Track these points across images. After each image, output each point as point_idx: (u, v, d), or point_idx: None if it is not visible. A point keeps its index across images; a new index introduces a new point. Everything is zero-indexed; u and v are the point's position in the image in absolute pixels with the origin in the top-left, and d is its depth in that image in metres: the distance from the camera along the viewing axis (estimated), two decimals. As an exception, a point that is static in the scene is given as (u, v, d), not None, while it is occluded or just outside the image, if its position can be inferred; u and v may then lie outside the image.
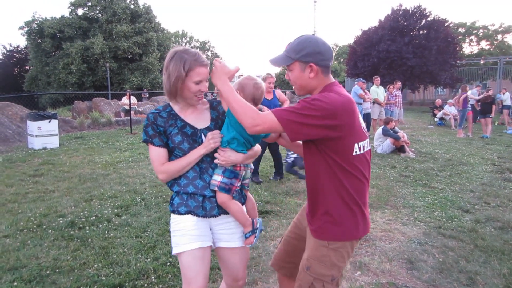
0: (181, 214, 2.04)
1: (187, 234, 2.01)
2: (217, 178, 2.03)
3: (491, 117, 13.73)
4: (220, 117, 2.15)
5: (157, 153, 2.05)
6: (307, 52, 1.82)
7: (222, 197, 2.03)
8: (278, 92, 6.69)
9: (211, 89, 2.12)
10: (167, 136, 2.05)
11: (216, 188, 2.02)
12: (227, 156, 2.01)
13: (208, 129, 2.08)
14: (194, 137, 2.05)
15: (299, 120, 1.70)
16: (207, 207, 2.05)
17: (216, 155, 2.03)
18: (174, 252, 2.04)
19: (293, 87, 1.97)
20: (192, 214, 2.04)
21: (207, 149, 2.00)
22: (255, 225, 2.16)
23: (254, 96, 2.08)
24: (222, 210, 2.08)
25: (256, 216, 2.30)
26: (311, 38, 1.86)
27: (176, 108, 2.10)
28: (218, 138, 2.02)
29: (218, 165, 2.05)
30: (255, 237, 2.14)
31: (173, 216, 2.08)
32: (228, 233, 2.15)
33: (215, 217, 2.09)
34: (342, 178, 1.84)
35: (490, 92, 14.31)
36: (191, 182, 2.05)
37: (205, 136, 2.05)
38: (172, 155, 2.08)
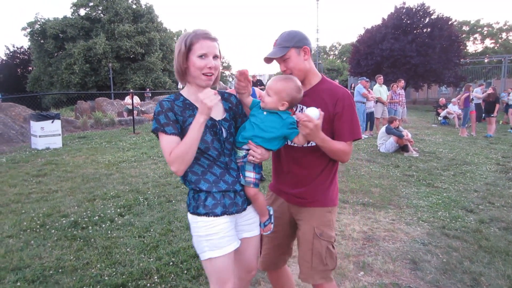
0: (218, 215, 1.94)
1: (226, 236, 1.95)
2: (251, 175, 2.05)
3: (494, 116, 13.66)
4: (233, 108, 2.12)
5: (169, 141, 1.87)
6: (299, 38, 2.05)
7: (253, 191, 2.05)
8: (258, 90, 6.57)
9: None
10: (185, 127, 1.91)
11: (251, 185, 2.04)
12: (263, 154, 2.02)
13: (226, 120, 2.04)
14: (214, 128, 1.97)
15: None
16: (239, 203, 2.03)
17: (251, 152, 2.01)
18: (212, 255, 1.93)
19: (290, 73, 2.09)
20: (227, 214, 1.97)
21: (205, 113, 1.82)
22: (270, 212, 2.20)
23: (293, 99, 2.02)
24: (248, 202, 2.11)
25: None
26: (294, 29, 2.11)
27: (191, 98, 2.00)
28: (212, 97, 1.82)
29: (247, 162, 2.05)
30: (272, 224, 2.20)
31: (204, 219, 1.93)
32: (249, 223, 2.15)
33: (245, 210, 2.08)
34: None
35: (491, 90, 14.23)
36: (220, 178, 1.98)
37: (224, 128, 2.00)
38: None
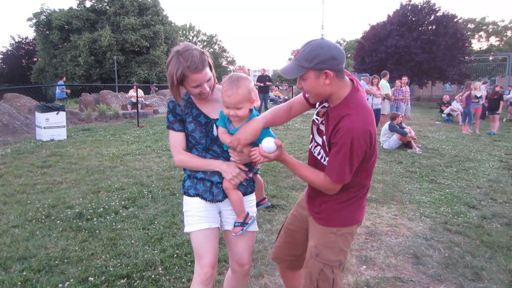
0: (190, 196, 2.18)
1: (196, 215, 2.15)
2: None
3: (498, 114, 13.62)
4: None
5: (176, 137, 2.14)
6: (321, 60, 1.72)
7: (225, 184, 2.11)
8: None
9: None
10: (184, 124, 2.13)
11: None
12: (241, 156, 2.04)
13: None
14: (206, 126, 2.11)
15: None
16: (214, 192, 2.17)
17: (230, 155, 2.07)
18: (185, 230, 2.19)
19: (307, 95, 1.96)
20: (200, 197, 2.16)
21: (225, 174, 2.08)
22: (247, 220, 2.21)
23: (253, 90, 1.99)
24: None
25: (263, 196, 2.42)
26: (322, 43, 1.75)
27: (193, 96, 2.13)
28: (239, 178, 2.07)
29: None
30: (242, 229, 2.20)
31: (184, 197, 2.22)
32: (233, 218, 2.24)
33: (221, 201, 2.19)
34: (353, 181, 1.92)
35: (498, 88, 14.19)
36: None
37: (216, 127, 2.09)
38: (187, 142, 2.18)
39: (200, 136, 2.10)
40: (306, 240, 2.18)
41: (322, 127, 1.97)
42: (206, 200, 2.16)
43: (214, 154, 2.13)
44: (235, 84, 1.90)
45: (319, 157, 2.01)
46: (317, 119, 2.02)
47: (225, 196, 2.17)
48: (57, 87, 17.96)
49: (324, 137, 1.93)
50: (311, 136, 2.12)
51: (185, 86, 2.00)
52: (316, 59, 1.72)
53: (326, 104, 1.95)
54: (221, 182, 2.14)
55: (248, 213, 2.21)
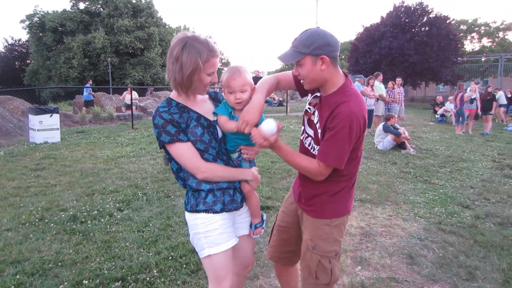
0: (217, 212, 1.96)
1: (225, 232, 1.97)
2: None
3: (491, 114, 13.73)
4: None
5: (189, 148, 1.90)
6: (317, 45, 1.80)
7: (248, 187, 2.09)
8: None
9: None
10: (190, 131, 1.92)
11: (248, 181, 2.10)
12: (255, 150, 2.07)
13: None
14: (210, 128, 1.98)
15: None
16: (238, 200, 2.07)
17: (244, 151, 2.06)
18: (211, 252, 1.95)
19: (302, 81, 1.97)
20: (226, 211, 2.00)
21: (252, 182, 2.08)
22: (264, 217, 2.24)
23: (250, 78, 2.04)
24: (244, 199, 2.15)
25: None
26: (318, 31, 1.85)
27: (180, 99, 1.97)
28: (257, 182, 2.10)
29: (242, 159, 2.09)
30: (263, 228, 2.22)
31: (204, 215, 1.96)
32: (246, 221, 2.21)
33: (243, 207, 2.13)
34: (344, 171, 1.98)
35: (490, 89, 14.32)
36: None
37: (219, 127, 2.03)
38: None
39: (210, 139, 1.95)
40: (300, 234, 2.24)
41: (314, 118, 2.03)
42: (230, 211, 2.03)
43: (224, 158, 2.03)
44: (237, 70, 1.98)
45: (309, 148, 2.07)
46: (309, 108, 2.08)
47: (243, 200, 2.12)
48: (85, 89, 17.97)
49: (318, 125, 1.97)
50: (302, 127, 2.18)
51: (200, 74, 1.86)
52: (313, 45, 1.80)
53: (318, 94, 2.02)
54: (239, 187, 2.08)
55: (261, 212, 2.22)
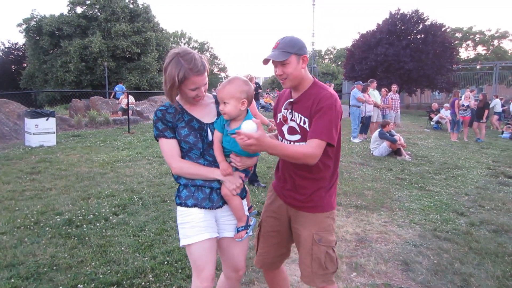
0: (188, 206, 2.11)
1: (196, 226, 2.08)
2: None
3: (484, 122, 13.83)
4: None
5: (169, 145, 2.11)
6: (299, 47, 2.08)
7: (225, 190, 2.12)
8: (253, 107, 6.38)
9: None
10: (175, 130, 2.11)
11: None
12: (243, 161, 2.11)
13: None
14: (200, 131, 2.11)
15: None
16: (214, 199, 2.15)
17: (232, 160, 2.12)
18: (183, 243, 2.11)
19: (284, 80, 2.13)
20: (198, 207, 2.11)
21: (228, 184, 2.10)
22: (249, 222, 2.24)
23: (248, 94, 2.09)
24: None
25: (249, 204, 2.40)
26: (295, 37, 2.13)
27: (182, 102, 2.15)
28: (238, 186, 2.12)
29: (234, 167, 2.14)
30: (246, 233, 2.22)
31: (180, 208, 2.14)
32: (232, 223, 2.24)
33: (221, 207, 2.17)
34: (333, 156, 2.19)
35: (480, 97, 14.44)
36: None
37: (211, 131, 2.12)
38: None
39: (195, 140, 2.09)
40: (291, 235, 2.35)
41: (295, 118, 2.17)
42: (205, 208, 2.12)
43: (209, 159, 2.13)
44: (228, 81, 2.09)
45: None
46: (285, 112, 2.24)
47: (224, 202, 2.17)
48: (119, 91, 18.06)
49: (303, 119, 2.12)
50: (280, 138, 2.28)
51: (183, 88, 2.02)
52: (297, 45, 2.07)
53: (291, 100, 2.20)
54: (219, 188, 2.14)
55: (248, 216, 2.23)
